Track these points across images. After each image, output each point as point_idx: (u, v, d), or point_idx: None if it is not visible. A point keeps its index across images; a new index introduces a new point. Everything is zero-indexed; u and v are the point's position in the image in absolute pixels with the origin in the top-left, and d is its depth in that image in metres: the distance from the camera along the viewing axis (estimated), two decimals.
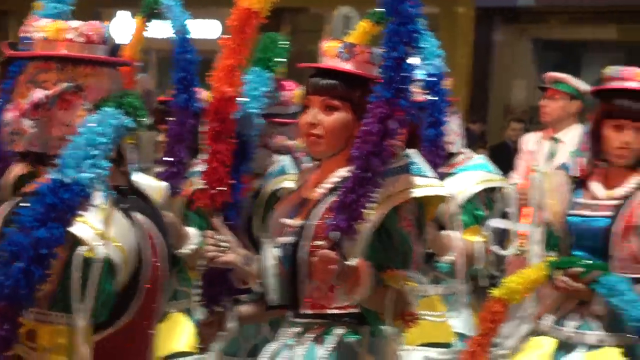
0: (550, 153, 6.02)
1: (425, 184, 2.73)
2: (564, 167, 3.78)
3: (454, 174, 4.18)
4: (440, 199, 2.81)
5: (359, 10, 12.77)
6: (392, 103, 2.54)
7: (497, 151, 11.52)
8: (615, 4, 14.63)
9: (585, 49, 16.53)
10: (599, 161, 3.59)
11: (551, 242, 3.75)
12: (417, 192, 2.71)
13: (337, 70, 2.81)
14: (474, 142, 11.16)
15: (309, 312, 2.80)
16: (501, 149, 11.50)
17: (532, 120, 13.28)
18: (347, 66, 2.80)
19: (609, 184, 3.59)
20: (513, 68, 15.91)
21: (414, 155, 2.81)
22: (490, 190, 4.26)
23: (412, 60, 2.58)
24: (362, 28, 3.59)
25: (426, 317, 3.66)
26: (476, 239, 4.13)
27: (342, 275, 2.62)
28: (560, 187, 3.70)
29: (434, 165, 3.42)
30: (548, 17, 15.99)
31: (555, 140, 6.05)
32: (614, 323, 3.48)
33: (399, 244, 2.73)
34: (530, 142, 6.44)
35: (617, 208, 3.51)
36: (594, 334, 3.51)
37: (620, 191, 3.54)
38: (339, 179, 2.74)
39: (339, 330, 2.78)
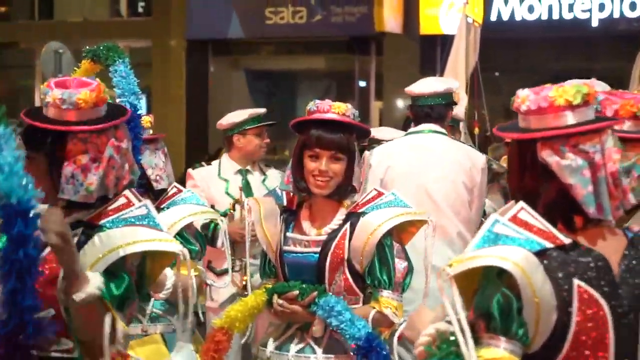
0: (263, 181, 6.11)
1: (157, 238, 2.71)
2: (274, 194, 3.81)
3: (164, 209, 4.14)
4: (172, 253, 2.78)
5: (69, 46, 12.54)
6: (9, 341, 2.44)
7: None
8: (322, 36, 15.12)
9: (297, 79, 16.97)
10: (303, 192, 3.65)
11: (267, 270, 3.79)
12: (148, 246, 2.70)
13: None
14: None
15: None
16: None
17: None
18: None
19: (317, 217, 3.67)
20: (228, 98, 16.08)
21: (149, 205, 2.77)
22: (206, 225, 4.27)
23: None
24: (84, 67, 3.77)
25: None
26: (191, 273, 4.09)
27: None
28: (271, 215, 3.74)
29: None
30: (258, 48, 16.31)
31: (247, 171, 6.11)
32: (332, 344, 3.55)
33: (128, 292, 2.69)
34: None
35: (326, 243, 3.60)
36: (314, 356, 3.58)
37: (327, 229, 3.62)
38: None
39: None
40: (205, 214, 4.27)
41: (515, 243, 2.23)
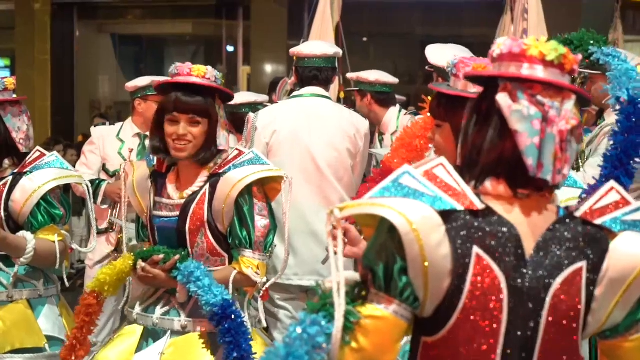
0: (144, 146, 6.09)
1: None
2: (147, 157, 3.82)
3: (27, 173, 4.09)
4: None
5: None
6: None
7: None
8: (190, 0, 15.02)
9: (165, 43, 16.82)
10: (162, 155, 3.66)
11: (141, 233, 3.82)
12: None
13: None
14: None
15: None
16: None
17: (120, 116, 13.29)
18: None
19: (182, 181, 3.67)
20: (95, 63, 15.82)
21: None
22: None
23: None
24: None
25: None
26: (54, 238, 4.06)
27: None
28: (143, 179, 3.74)
29: None
30: (125, 12, 16.08)
31: (146, 137, 6.09)
32: (197, 308, 3.56)
33: None
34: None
35: (185, 206, 3.61)
36: (177, 319, 3.61)
37: (188, 192, 3.63)
38: None
39: None
40: (70, 178, 4.22)
41: (421, 198, 2.11)
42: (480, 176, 2.20)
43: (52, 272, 4.20)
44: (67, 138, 12.72)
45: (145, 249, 3.66)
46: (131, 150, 5.83)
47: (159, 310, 3.64)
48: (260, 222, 3.61)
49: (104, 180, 5.76)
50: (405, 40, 13.94)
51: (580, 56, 2.21)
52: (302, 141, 5.26)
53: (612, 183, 2.31)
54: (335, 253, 2.09)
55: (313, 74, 5.39)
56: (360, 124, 5.44)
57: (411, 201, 2.09)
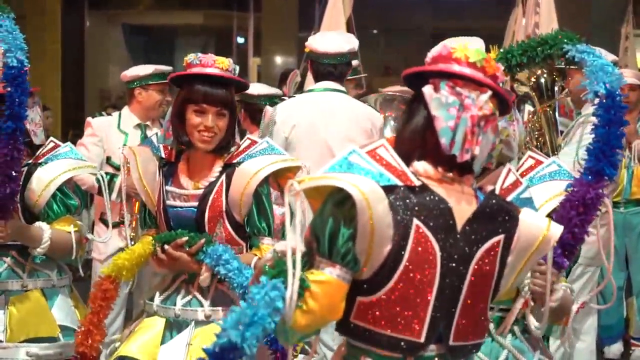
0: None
1: None
2: (150, 143, 3.82)
3: (42, 164, 4.11)
4: None
5: None
6: None
7: None
8: None
9: (175, 34, 16.83)
10: (183, 146, 3.67)
11: (148, 221, 3.79)
12: None
13: None
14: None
15: None
16: None
17: None
18: None
19: (195, 171, 3.67)
20: (105, 53, 15.84)
21: None
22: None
23: None
24: None
25: None
26: (70, 229, 4.08)
27: None
28: (148, 165, 3.73)
29: (13, 159, 3.65)
30: (136, 3, 16.10)
31: (147, 127, 6.10)
32: (218, 296, 3.59)
33: None
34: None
35: (203, 197, 3.61)
36: (201, 309, 3.60)
37: (205, 182, 3.64)
38: None
39: None
40: (85, 169, 4.24)
41: (366, 174, 2.36)
42: (409, 160, 2.45)
43: (66, 263, 4.23)
44: (77, 128, 12.74)
45: (165, 232, 3.64)
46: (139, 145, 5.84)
47: (180, 301, 3.63)
48: (278, 210, 3.64)
49: (116, 175, 5.74)
50: (416, 33, 13.94)
51: (501, 67, 2.48)
52: (319, 135, 5.32)
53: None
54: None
55: (327, 70, 5.45)
56: (375, 118, 5.50)
57: (360, 176, 2.35)
